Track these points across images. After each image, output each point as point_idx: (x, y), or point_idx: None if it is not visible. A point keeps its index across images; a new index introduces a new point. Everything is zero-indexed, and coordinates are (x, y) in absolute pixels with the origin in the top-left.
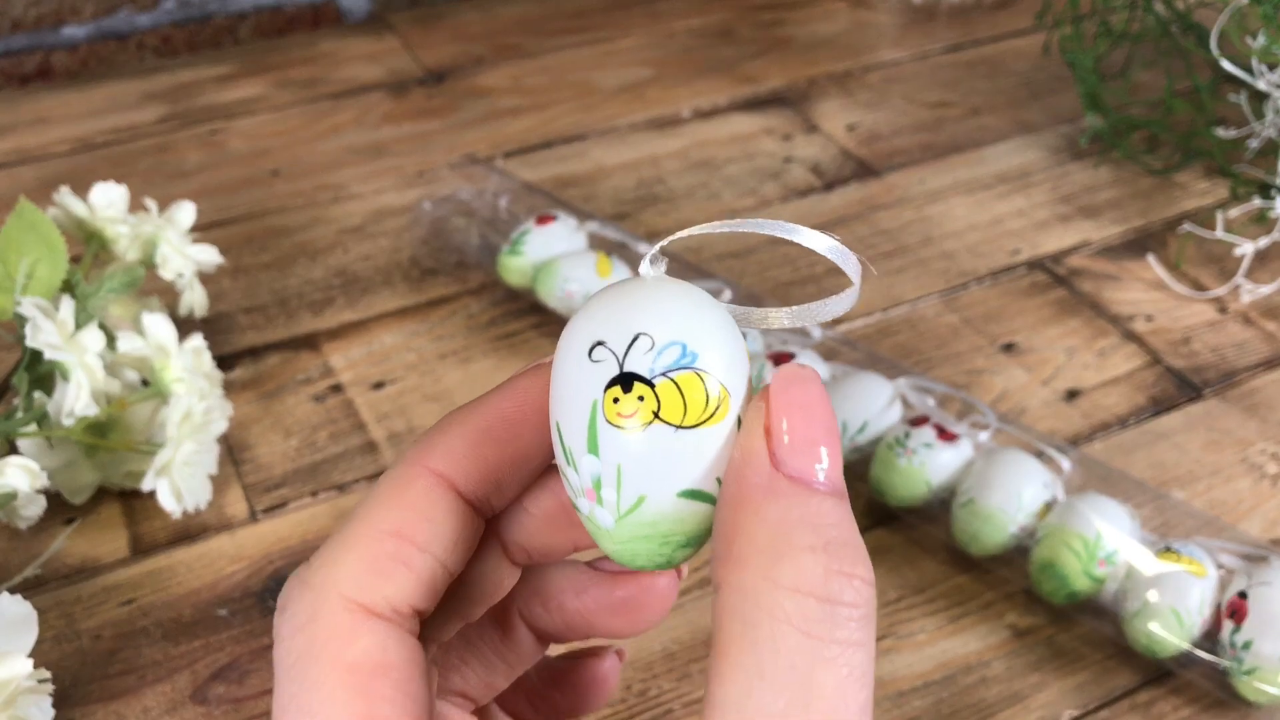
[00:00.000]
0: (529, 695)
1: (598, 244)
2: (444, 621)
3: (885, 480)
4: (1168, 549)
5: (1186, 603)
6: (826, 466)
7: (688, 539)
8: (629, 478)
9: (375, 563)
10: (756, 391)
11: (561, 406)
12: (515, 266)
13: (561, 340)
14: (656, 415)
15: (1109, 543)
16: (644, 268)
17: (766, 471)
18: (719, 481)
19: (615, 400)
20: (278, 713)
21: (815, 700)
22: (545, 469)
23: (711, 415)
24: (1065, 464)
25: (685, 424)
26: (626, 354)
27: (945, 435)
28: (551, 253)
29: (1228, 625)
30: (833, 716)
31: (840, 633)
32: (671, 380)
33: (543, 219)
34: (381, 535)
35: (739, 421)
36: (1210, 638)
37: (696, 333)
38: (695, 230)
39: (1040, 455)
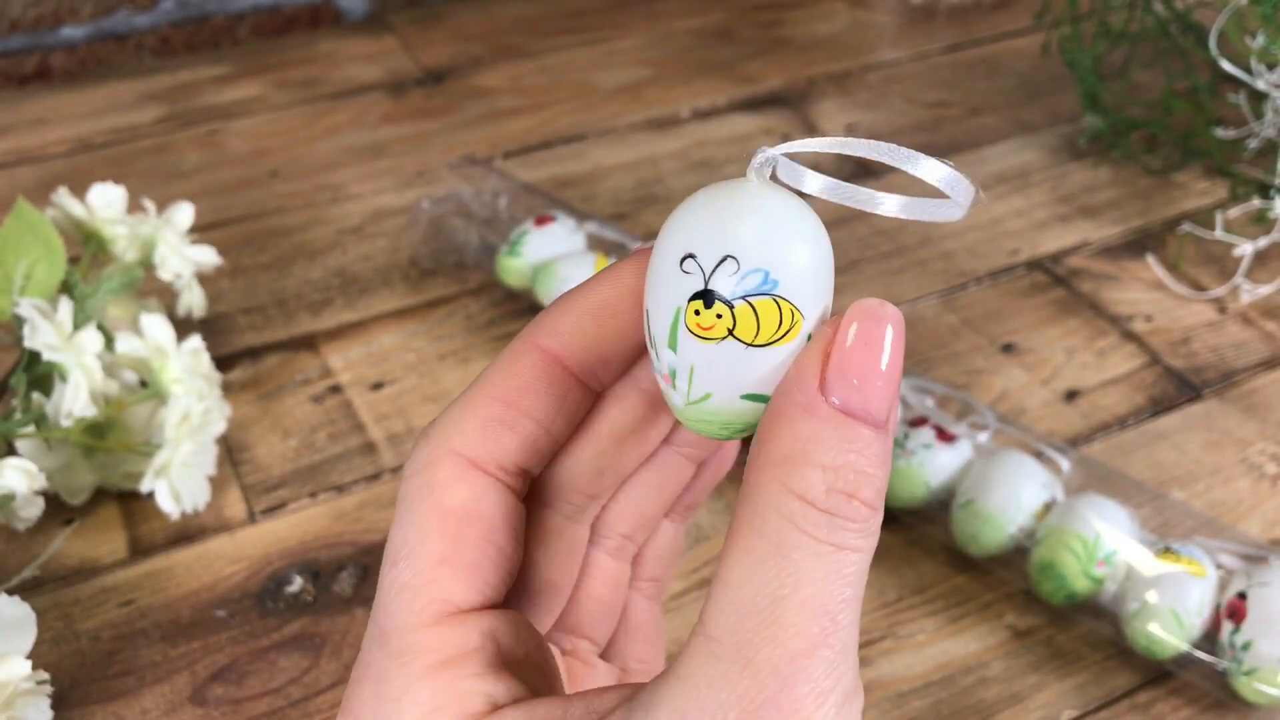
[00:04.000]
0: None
1: (597, 245)
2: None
3: None
4: (1167, 549)
5: (1186, 603)
6: (871, 400)
7: (746, 428)
8: (700, 377)
9: (484, 424)
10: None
11: (653, 300)
12: (514, 267)
13: (661, 236)
14: (731, 332)
15: (1108, 543)
16: (752, 171)
17: (811, 392)
18: None
19: (696, 312)
20: (387, 542)
21: (805, 586)
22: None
23: (783, 336)
24: (1064, 465)
25: (756, 342)
26: (712, 274)
27: (944, 436)
28: (550, 253)
29: (1227, 626)
30: (817, 601)
31: (836, 537)
32: (749, 304)
33: (541, 220)
34: (492, 401)
35: (809, 338)
36: (1209, 638)
37: (782, 258)
38: (812, 144)
39: (1039, 456)
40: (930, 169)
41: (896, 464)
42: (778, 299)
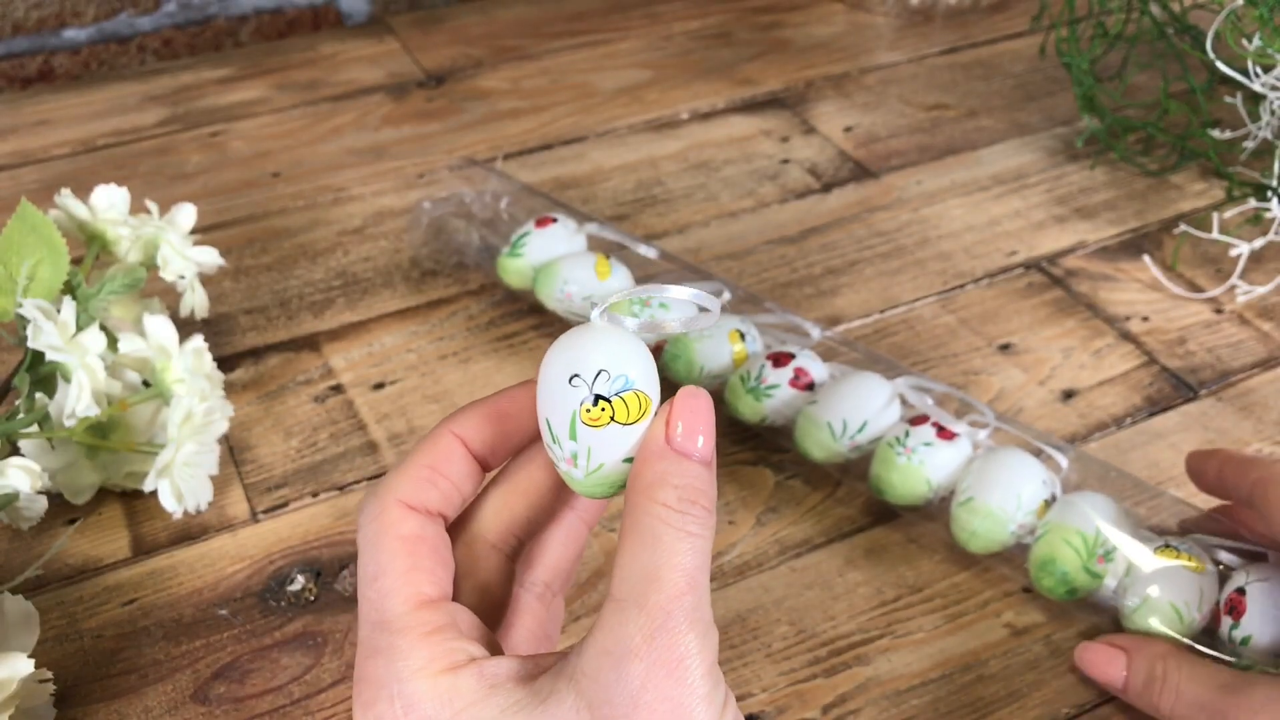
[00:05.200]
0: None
1: (597, 246)
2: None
3: (885, 479)
4: (1166, 545)
5: (1186, 598)
6: (700, 447)
7: (623, 484)
8: (595, 454)
9: (417, 482)
10: (666, 399)
11: (550, 409)
12: (515, 268)
13: (546, 366)
14: (612, 419)
15: (1108, 539)
16: (594, 317)
17: (662, 445)
18: None
19: (588, 410)
20: (360, 571)
21: (673, 557)
22: (528, 445)
23: (641, 415)
24: (1063, 462)
25: (627, 422)
26: (594, 382)
27: (944, 434)
28: (551, 254)
29: (1226, 621)
30: (681, 567)
31: (689, 527)
32: (620, 397)
33: (542, 221)
34: (421, 468)
35: (655, 413)
36: (1209, 633)
37: (633, 365)
38: (619, 294)
39: (1039, 453)
40: (679, 292)
41: (898, 462)
42: (637, 392)
